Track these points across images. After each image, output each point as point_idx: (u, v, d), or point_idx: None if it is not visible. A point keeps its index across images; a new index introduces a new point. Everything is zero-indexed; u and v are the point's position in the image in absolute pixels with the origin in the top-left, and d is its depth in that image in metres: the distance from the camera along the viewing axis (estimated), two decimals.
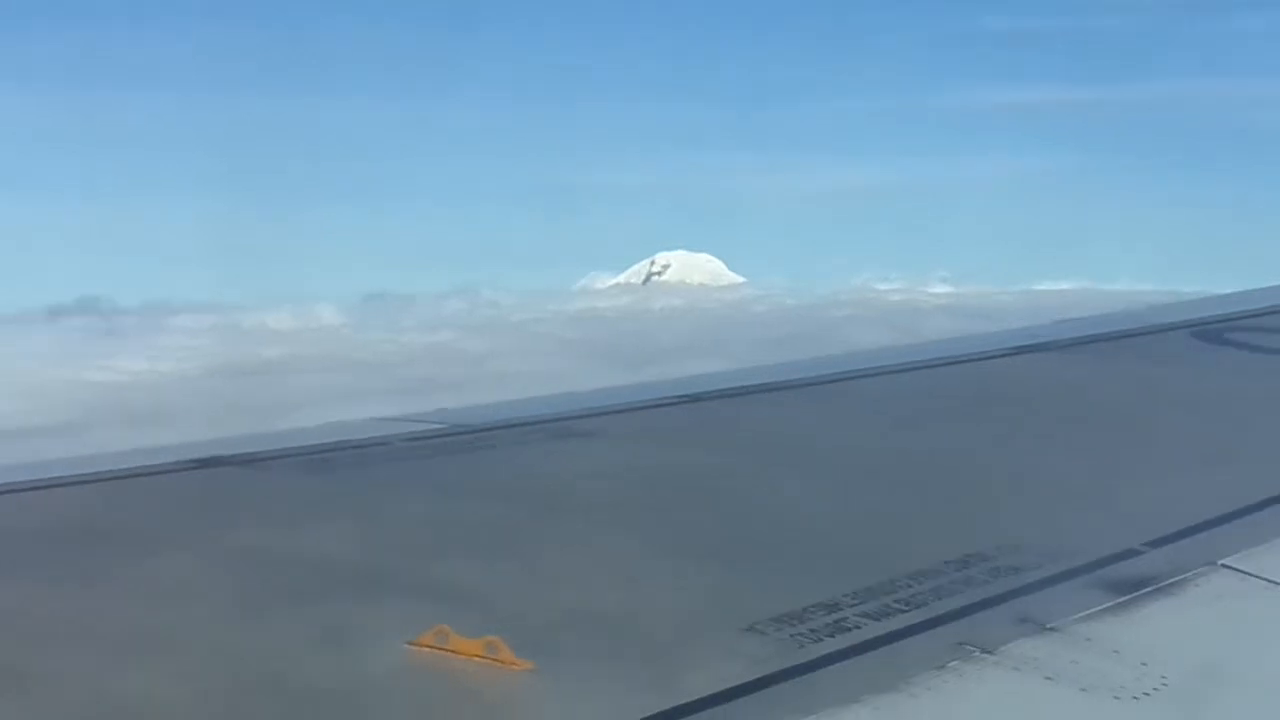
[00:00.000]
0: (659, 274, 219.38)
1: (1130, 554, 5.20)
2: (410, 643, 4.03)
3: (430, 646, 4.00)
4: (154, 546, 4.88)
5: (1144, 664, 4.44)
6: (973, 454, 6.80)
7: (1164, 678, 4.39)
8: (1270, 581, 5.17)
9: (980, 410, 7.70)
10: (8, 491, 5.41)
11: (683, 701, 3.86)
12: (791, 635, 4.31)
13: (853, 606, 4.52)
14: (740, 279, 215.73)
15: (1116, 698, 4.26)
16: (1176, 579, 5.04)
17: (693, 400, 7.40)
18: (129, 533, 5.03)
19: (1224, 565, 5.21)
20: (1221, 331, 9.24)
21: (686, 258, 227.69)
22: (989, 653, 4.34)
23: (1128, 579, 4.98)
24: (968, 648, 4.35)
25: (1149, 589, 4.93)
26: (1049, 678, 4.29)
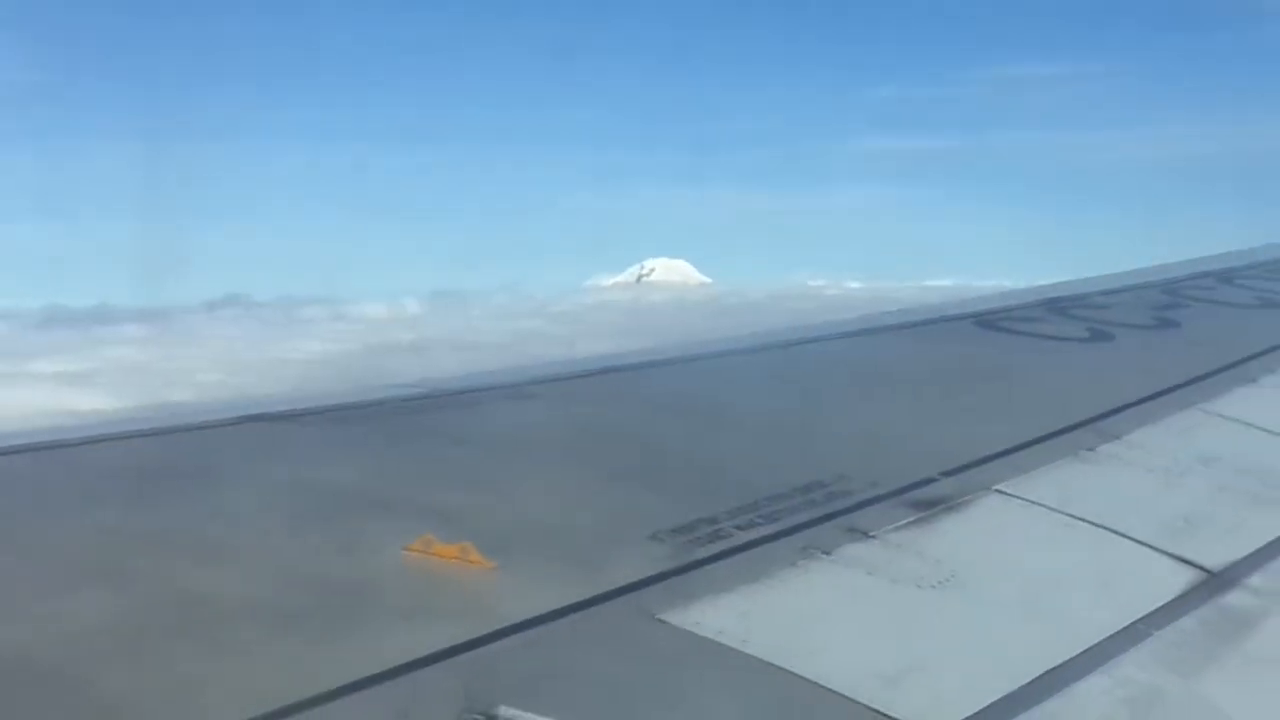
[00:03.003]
0: (647, 275, 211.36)
1: (928, 481, 5.24)
2: (404, 548, 4.06)
3: (419, 551, 4.04)
4: (215, 483, 4.84)
5: (938, 561, 4.53)
6: (816, 411, 6.78)
7: (953, 571, 4.48)
8: (1029, 501, 5.24)
9: (825, 380, 7.68)
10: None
11: (605, 590, 3.93)
12: (683, 541, 4.36)
13: (728, 521, 4.57)
14: (708, 279, 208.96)
15: (918, 587, 4.35)
16: (962, 500, 5.11)
17: (618, 370, 7.32)
18: (200, 472, 4.97)
19: (996, 490, 5.28)
20: (998, 320, 9.27)
21: (667, 262, 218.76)
22: (826, 554, 4.42)
23: (926, 500, 5.03)
24: (811, 550, 4.42)
25: (942, 507, 5.00)
26: (869, 573, 4.36)
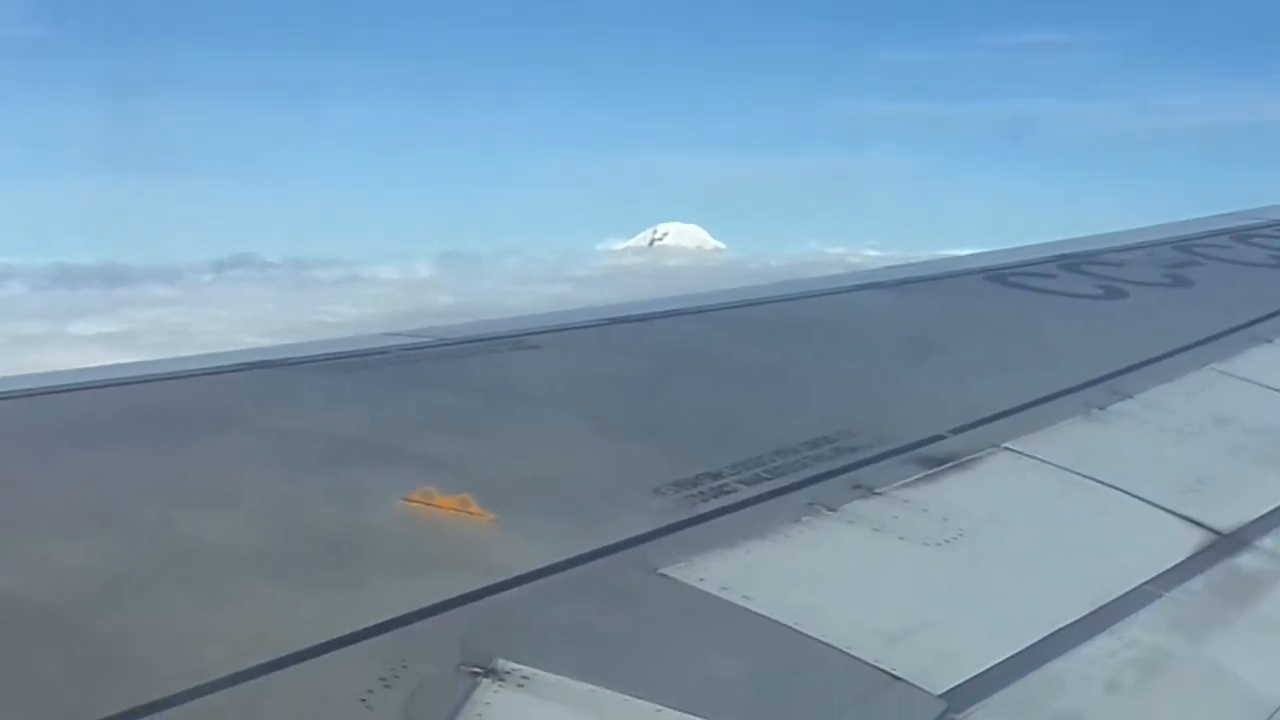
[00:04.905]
0: (660, 239, 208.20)
1: (937, 438, 5.21)
2: (404, 499, 4.05)
3: (419, 502, 4.03)
4: (215, 430, 4.76)
5: (945, 519, 4.51)
6: (824, 365, 6.71)
7: (960, 529, 4.47)
8: (1038, 459, 5.22)
9: (834, 334, 7.57)
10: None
11: (606, 544, 3.91)
12: (686, 496, 4.34)
13: (732, 475, 4.54)
14: (722, 245, 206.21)
15: (925, 544, 4.34)
16: (970, 457, 5.09)
17: (623, 321, 7.19)
18: (202, 418, 4.90)
19: (1005, 447, 5.26)
20: (1009, 275, 9.16)
21: (680, 227, 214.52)
22: (832, 510, 4.40)
23: (934, 457, 5.01)
24: (816, 506, 4.40)
25: (950, 464, 4.98)
26: (876, 529, 4.36)
